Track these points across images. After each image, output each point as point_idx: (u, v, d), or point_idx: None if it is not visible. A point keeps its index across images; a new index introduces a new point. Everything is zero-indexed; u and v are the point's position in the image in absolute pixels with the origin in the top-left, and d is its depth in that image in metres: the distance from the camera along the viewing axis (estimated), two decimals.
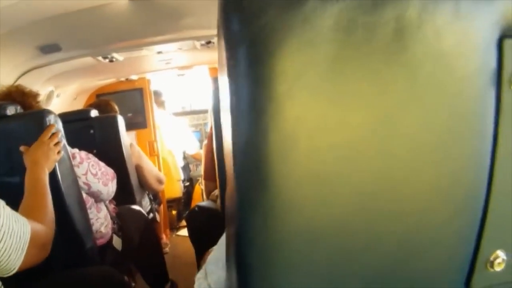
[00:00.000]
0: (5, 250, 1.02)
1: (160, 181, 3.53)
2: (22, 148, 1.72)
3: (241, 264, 0.62)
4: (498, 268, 0.67)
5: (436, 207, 0.63)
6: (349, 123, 0.57)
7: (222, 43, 0.57)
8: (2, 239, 1.01)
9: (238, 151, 0.58)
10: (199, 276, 1.04)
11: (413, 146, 0.60)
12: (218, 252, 1.04)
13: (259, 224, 0.59)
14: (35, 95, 2.10)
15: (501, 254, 0.67)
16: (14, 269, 1.09)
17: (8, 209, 1.07)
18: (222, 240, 1.06)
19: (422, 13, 0.55)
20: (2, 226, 1.01)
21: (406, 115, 0.58)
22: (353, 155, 0.58)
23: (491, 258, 0.67)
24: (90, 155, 2.25)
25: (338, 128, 0.57)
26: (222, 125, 0.70)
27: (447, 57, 0.57)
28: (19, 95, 2.04)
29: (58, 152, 1.77)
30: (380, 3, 0.54)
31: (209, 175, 2.78)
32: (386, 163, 0.60)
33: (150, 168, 3.47)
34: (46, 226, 1.32)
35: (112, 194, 2.39)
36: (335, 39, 0.54)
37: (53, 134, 1.76)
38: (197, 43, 3.34)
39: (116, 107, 3.54)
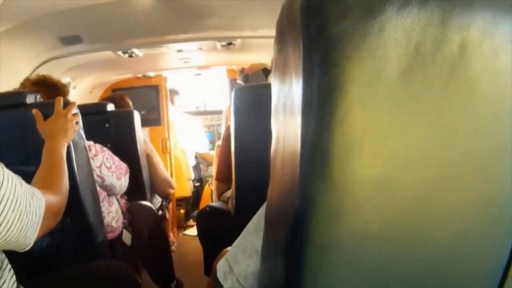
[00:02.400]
0: (22, 228, 1.01)
1: (170, 185, 3.51)
2: (36, 116, 1.69)
3: (295, 263, 0.64)
4: None
5: (478, 216, 0.65)
6: (411, 131, 0.59)
7: (290, 45, 0.60)
8: (20, 217, 1.00)
9: (306, 152, 0.59)
10: (224, 270, 1.03)
11: (465, 157, 0.61)
12: (246, 241, 1.04)
13: (320, 224, 0.60)
14: (66, 89, 2.12)
15: None
16: (30, 244, 1.09)
17: (25, 186, 1.06)
18: (248, 230, 1.06)
19: (484, 31, 0.57)
20: (19, 204, 1.00)
21: (461, 127, 0.60)
22: (411, 162, 0.60)
23: None
24: (105, 148, 2.25)
25: (401, 135, 0.59)
26: (276, 126, 0.72)
27: (502, 76, 0.59)
28: (51, 84, 2.06)
29: (77, 123, 1.76)
30: (448, 19, 0.56)
31: (221, 177, 2.76)
32: (439, 171, 0.62)
33: (161, 171, 3.45)
34: (59, 196, 1.31)
35: (124, 189, 2.39)
36: (407, 49, 0.56)
37: (69, 105, 1.75)
38: (218, 44, 3.34)
39: (130, 102, 3.53)
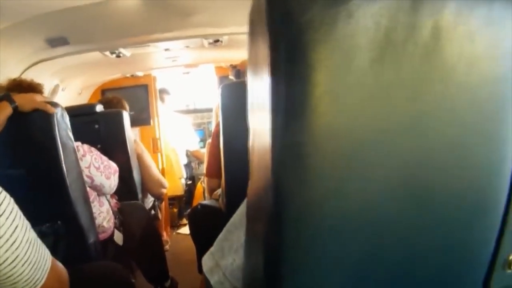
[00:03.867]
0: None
1: (162, 185, 3.50)
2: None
3: (273, 256, 0.64)
4: None
5: (459, 205, 0.65)
6: (385, 118, 0.58)
7: (260, 39, 0.58)
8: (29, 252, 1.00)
9: (276, 146, 0.58)
10: (210, 265, 1.04)
11: (442, 145, 0.61)
12: (232, 235, 1.04)
13: (295, 217, 0.60)
14: (41, 88, 2.12)
15: None
16: None
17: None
18: (234, 224, 1.06)
19: (458, 16, 0.56)
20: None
21: (438, 115, 0.59)
22: (388, 150, 0.60)
23: (509, 260, 0.69)
24: (93, 149, 2.25)
25: (375, 124, 0.58)
26: (252, 121, 0.71)
27: (480, 60, 0.58)
28: (27, 86, 2.05)
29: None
30: (419, 4, 0.55)
31: (211, 172, 2.78)
32: (417, 158, 0.61)
33: (152, 170, 3.44)
34: None
35: (114, 188, 2.39)
36: (377, 37, 0.55)
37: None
38: (205, 42, 3.34)
39: (127, 106, 3.52)
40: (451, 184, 0.63)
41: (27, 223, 1.01)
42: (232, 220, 1.10)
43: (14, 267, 0.96)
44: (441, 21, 0.56)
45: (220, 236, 1.10)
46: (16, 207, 0.98)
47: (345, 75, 0.55)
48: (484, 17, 0.57)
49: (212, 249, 1.10)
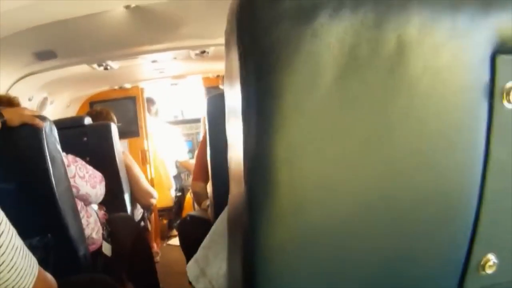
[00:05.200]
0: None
1: (151, 196, 3.50)
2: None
3: (247, 265, 0.65)
4: (489, 271, 0.70)
5: (430, 212, 0.66)
6: (352, 132, 0.60)
7: (233, 53, 0.60)
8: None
9: (248, 157, 0.60)
10: (195, 273, 1.05)
11: (410, 154, 0.62)
12: (216, 245, 1.05)
13: (266, 226, 0.61)
14: (17, 100, 2.16)
15: (492, 257, 0.70)
16: None
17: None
18: (218, 232, 1.08)
19: (422, 29, 0.58)
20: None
21: (404, 126, 0.61)
22: (355, 163, 0.61)
23: (483, 262, 0.70)
24: (78, 158, 2.25)
25: (342, 137, 0.60)
26: (228, 131, 0.72)
27: (444, 71, 0.60)
28: (6, 101, 2.08)
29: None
30: (383, 19, 0.57)
31: (196, 175, 2.81)
32: (384, 170, 0.62)
33: (142, 182, 3.44)
34: None
35: (101, 198, 2.39)
36: (341, 53, 0.56)
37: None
38: (192, 53, 3.36)
39: (115, 118, 3.53)
40: (421, 190, 0.65)
41: (13, 230, 1.02)
42: (215, 227, 1.11)
43: (0, 272, 0.97)
44: (405, 35, 0.57)
45: (205, 242, 1.12)
46: (2, 214, 0.99)
47: (312, 90, 0.57)
48: (448, 30, 0.59)
49: (196, 255, 1.11)
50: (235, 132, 0.64)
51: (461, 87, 0.62)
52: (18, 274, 1.00)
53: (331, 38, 0.56)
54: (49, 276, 1.20)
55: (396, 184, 0.64)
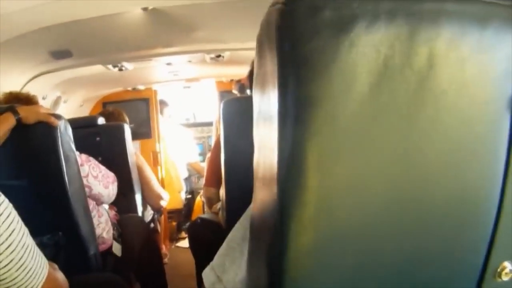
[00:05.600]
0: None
1: (162, 198, 3.50)
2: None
3: (276, 270, 0.65)
4: (505, 278, 0.72)
5: (452, 218, 0.68)
6: (381, 140, 0.62)
7: (269, 60, 0.61)
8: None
9: (282, 162, 0.61)
10: (212, 280, 1.05)
11: (435, 163, 0.64)
12: (234, 251, 1.05)
13: (296, 230, 0.62)
14: (36, 99, 2.18)
15: (508, 265, 0.71)
16: None
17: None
18: (236, 240, 1.07)
19: (450, 43, 0.60)
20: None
21: (431, 136, 0.63)
22: (383, 170, 0.63)
23: (499, 268, 0.72)
24: (91, 158, 2.26)
25: (372, 144, 0.62)
26: (256, 135, 0.74)
27: (469, 84, 0.62)
28: (25, 98, 2.09)
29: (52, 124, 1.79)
30: (415, 33, 0.58)
31: (208, 181, 2.79)
32: (410, 178, 0.64)
33: (153, 183, 3.44)
34: None
35: (113, 198, 2.40)
36: (376, 64, 0.58)
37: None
38: (207, 57, 3.37)
39: (127, 119, 3.54)
40: (444, 198, 0.66)
41: (25, 229, 1.01)
42: (232, 235, 1.11)
43: (8, 270, 0.96)
44: (435, 49, 0.59)
45: (221, 250, 1.11)
46: (14, 212, 0.99)
47: (346, 99, 0.59)
48: (475, 44, 0.60)
49: (212, 263, 1.10)
50: (265, 136, 0.66)
51: (485, 99, 0.63)
52: (27, 274, 1.00)
53: (367, 48, 0.58)
54: (60, 277, 1.19)
55: (420, 191, 0.65)
